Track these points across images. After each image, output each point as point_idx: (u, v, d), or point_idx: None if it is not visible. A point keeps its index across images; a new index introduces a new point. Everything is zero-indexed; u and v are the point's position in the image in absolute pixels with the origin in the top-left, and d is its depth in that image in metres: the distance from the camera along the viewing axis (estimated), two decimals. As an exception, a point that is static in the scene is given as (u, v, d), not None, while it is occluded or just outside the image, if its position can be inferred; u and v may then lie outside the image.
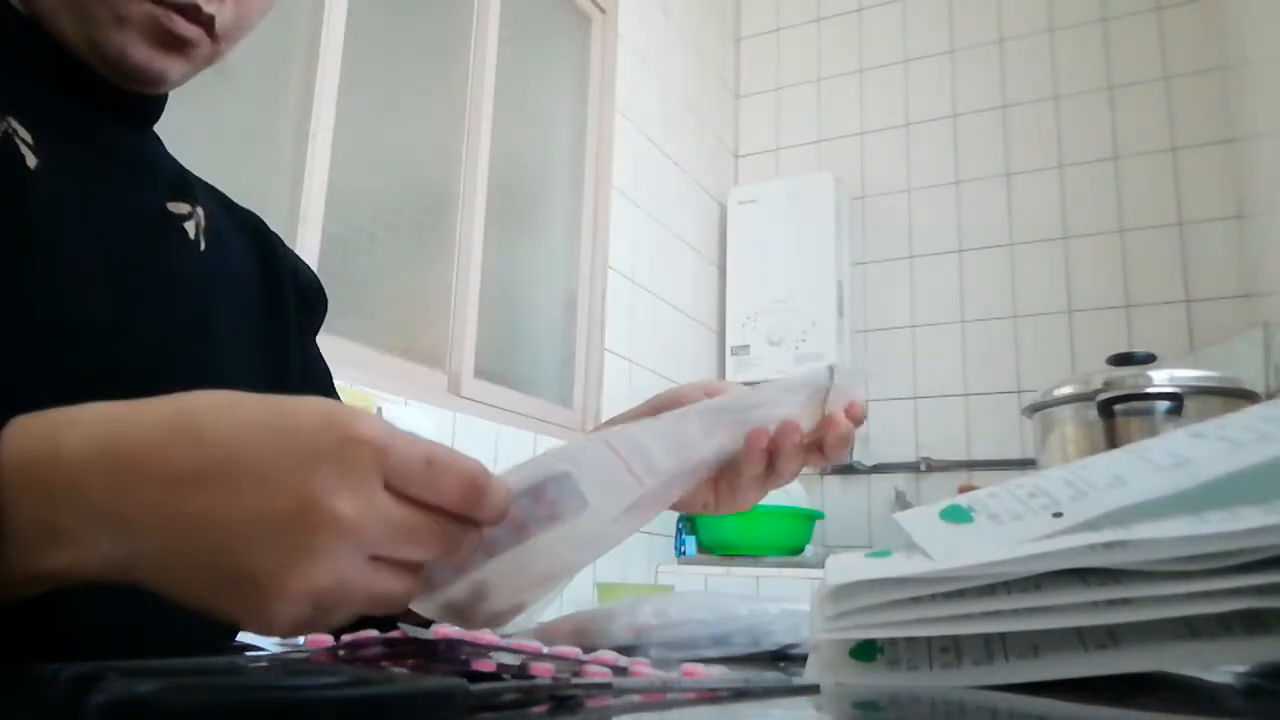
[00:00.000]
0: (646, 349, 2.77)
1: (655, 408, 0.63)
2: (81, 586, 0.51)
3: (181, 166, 0.67)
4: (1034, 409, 1.64)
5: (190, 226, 0.63)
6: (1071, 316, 2.82)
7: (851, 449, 2.93)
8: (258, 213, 0.75)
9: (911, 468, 2.89)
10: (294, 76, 1.81)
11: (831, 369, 0.55)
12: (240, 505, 0.33)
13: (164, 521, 0.34)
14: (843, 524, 2.94)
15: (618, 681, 0.34)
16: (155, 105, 0.62)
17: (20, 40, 0.55)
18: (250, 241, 0.70)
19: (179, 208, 0.63)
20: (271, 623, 0.33)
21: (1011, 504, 0.40)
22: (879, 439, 2.97)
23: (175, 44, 0.55)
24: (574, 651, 0.36)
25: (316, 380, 0.75)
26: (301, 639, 0.40)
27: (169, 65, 0.56)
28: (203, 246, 0.63)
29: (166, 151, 0.66)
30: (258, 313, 0.67)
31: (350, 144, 1.86)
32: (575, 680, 0.34)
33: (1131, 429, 1.43)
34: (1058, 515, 0.37)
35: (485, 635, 0.37)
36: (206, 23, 0.56)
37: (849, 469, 2.96)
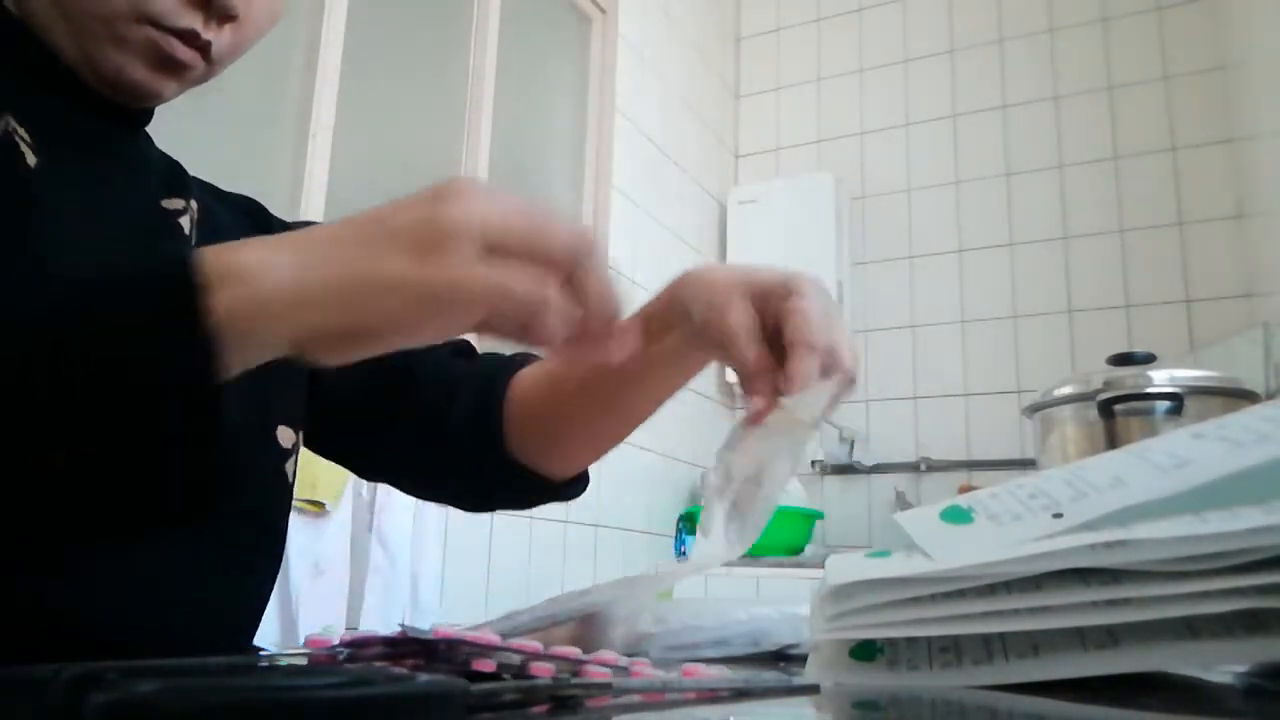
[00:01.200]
0: (646, 349, 2.77)
1: (659, 305, 0.63)
2: (81, 585, 0.51)
3: (172, 160, 0.67)
4: (1034, 409, 1.64)
5: (185, 221, 0.63)
6: (1071, 316, 2.82)
7: (851, 448, 2.94)
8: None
9: (911, 468, 2.89)
10: (294, 76, 1.81)
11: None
12: (381, 215, 0.40)
13: (332, 232, 0.40)
14: (843, 524, 2.94)
15: (618, 681, 0.34)
16: (146, 109, 0.62)
17: (12, 42, 0.55)
18: (250, 226, 0.70)
19: (173, 203, 0.63)
20: (449, 259, 0.38)
21: (1011, 504, 0.40)
22: (879, 439, 2.97)
23: (172, 66, 0.56)
24: (574, 651, 0.36)
25: None
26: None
27: (164, 86, 0.57)
28: (194, 241, 0.63)
29: (156, 148, 0.66)
30: None
31: (350, 144, 1.86)
32: (575, 680, 0.34)
33: (1131, 429, 1.43)
34: (1058, 516, 0.37)
35: (486, 635, 0.37)
36: (204, 48, 0.56)
37: (849, 469, 2.96)
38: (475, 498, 0.78)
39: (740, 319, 0.55)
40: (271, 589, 0.67)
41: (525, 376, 0.73)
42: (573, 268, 0.41)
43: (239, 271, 0.38)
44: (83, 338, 0.37)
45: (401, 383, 0.72)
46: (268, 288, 0.38)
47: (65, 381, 0.37)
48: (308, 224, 0.79)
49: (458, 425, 0.71)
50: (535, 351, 0.45)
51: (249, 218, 0.71)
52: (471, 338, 0.66)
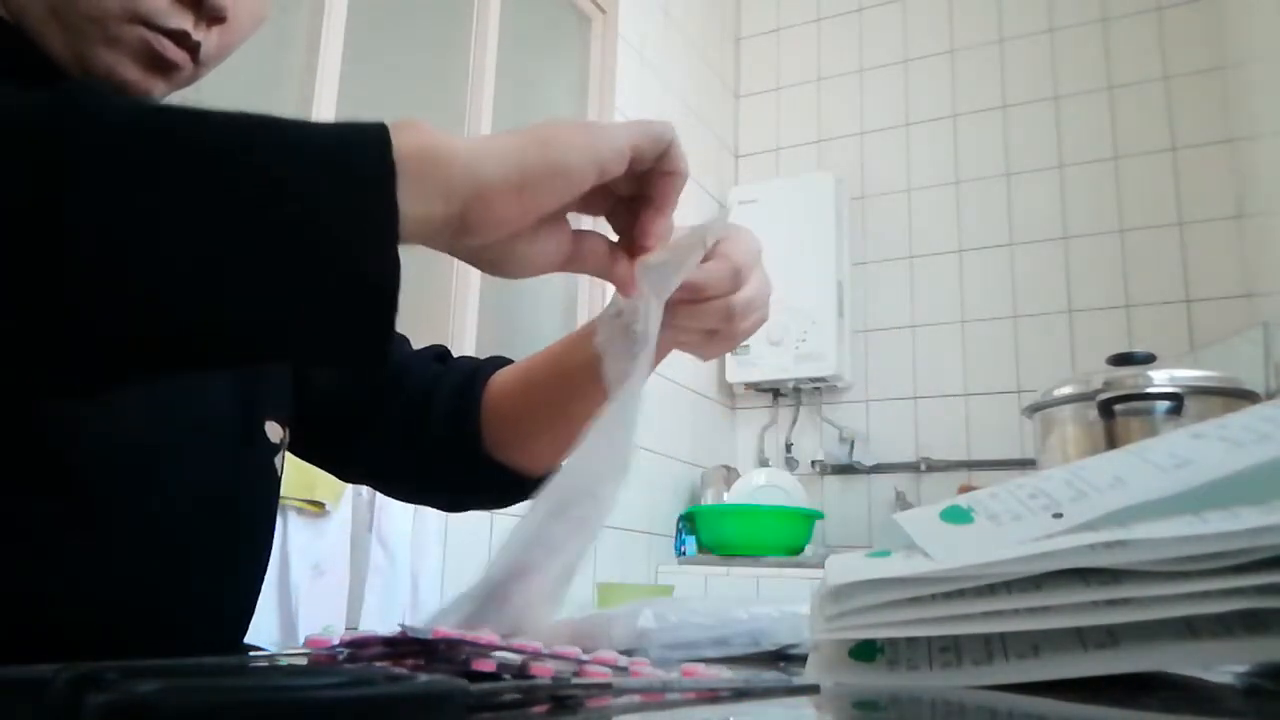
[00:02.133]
0: (646, 349, 2.77)
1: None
2: (70, 574, 0.51)
3: None
4: (1034, 409, 1.64)
5: None
6: (1071, 316, 2.82)
7: (851, 448, 2.94)
8: None
9: (911, 468, 2.89)
10: (294, 76, 1.81)
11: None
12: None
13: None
14: (843, 524, 2.94)
15: (618, 681, 0.34)
16: None
17: (3, 43, 0.56)
18: None
19: None
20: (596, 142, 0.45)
21: (1011, 504, 0.40)
22: (879, 439, 2.97)
23: (162, 66, 0.57)
24: (574, 651, 0.36)
25: None
26: (310, 643, 0.40)
27: (153, 86, 0.58)
28: None
29: None
30: None
31: (350, 144, 1.86)
32: (575, 680, 0.34)
33: (1131, 429, 1.43)
34: (1058, 516, 0.37)
35: (486, 635, 0.37)
36: (193, 49, 0.58)
37: (849, 469, 2.96)
38: (453, 496, 0.79)
39: None
40: (261, 583, 0.67)
41: (501, 374, 0.75)
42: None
43: (418, 124, 0.41)
44: (270, 168, 0.37)
45: (381, 386, 0.73)
46: (444, 139, 0.41)
47: (254, 206, 0.36)
48: None
49: (437, 423, 0.73)
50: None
51: None
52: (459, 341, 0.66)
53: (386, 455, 0.74)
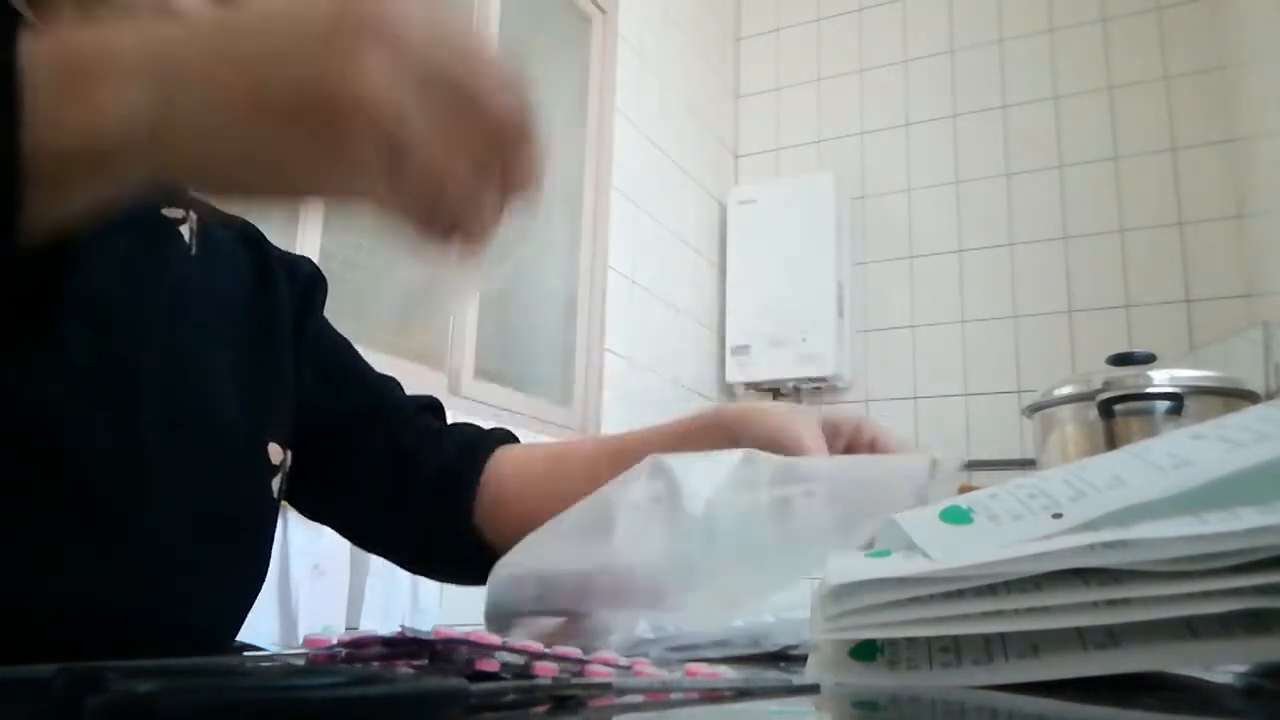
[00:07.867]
0: (646, 349, 2.77)
1: (693, 429, 0.68)
2: (84, 581, 0.51)
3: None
4: (1034, 409, 1.64)
5: (185, 230, 0.64)
6: (1071, 316, 2.82)
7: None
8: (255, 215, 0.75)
9: (911, 468, 2.89)
10: (294, 76, 1.80)
11: (933, 464, 0.57)
12: (279, 17, 0.32)
13: (204, 45, 0.31)
14: (843, 524, 2.94)
15: (619, 681, 0.34)
16: None
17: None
18: (246, 255, 0.71)
19: (173, 213, 0.64)
20: (349, 150, 0.31)
21: (1011, 505, 0.40)
22: (879, 439, 2.97)
23: None
24: (576, 651, 0.36)
25: (329, 348, 0.76)
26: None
27: None
28: (194, 251, 0.65)
29: None
30: (243, 312, 0.68)
31: (350, 144, 1.86)
32: (576, 680, 0.34)
33: (1131, 429, 1.43)
34: (1057, 516, 0.37)
35: (486, 635, 0.37)
36: None
37: (849, 469, 2.96)
38: (424, 559, 0.77)
39: (820, 444, 0.64)
40: (253, 600, 0.66)
41: (516, 454, 0.73)
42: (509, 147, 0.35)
43: (83, 78, 0.31)
44: None
45: (366, 425, 0.72)
46: (114, 108, 0.31)
47: None
48: (304, 258, 0.79)
49: (424, 490, 0.71)
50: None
51: (246, 244, 0.72)
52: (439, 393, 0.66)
53: (365, 499, 0.73)
